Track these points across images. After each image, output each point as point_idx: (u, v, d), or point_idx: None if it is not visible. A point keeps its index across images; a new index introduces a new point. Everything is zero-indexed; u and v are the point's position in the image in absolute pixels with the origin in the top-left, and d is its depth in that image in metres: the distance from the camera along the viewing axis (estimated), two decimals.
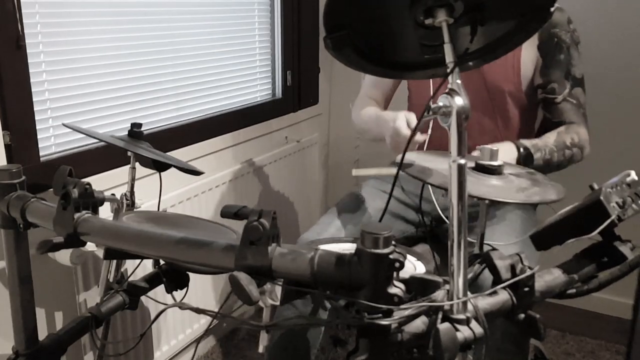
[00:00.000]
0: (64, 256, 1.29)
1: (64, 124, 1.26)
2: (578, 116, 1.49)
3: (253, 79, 2.11)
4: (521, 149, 1.35)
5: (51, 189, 0.90)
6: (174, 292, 1.04)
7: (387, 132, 1.38)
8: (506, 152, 1.34)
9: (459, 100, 0.70)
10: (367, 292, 0.63)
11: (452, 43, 0.74)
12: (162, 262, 1.04)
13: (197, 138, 1.82)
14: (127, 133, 1.29)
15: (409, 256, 0.94)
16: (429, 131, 1.44)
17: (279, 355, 1.38)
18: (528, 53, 1.48)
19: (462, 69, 0.79)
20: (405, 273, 0.66)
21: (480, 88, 1.50)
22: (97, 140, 1.47)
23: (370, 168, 1.33)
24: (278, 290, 0.71)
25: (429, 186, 0.97)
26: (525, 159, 1.35)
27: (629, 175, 0.85)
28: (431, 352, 0.64)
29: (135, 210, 1.28)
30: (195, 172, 1.27)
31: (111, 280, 1.29)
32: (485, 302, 0.72)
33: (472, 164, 0.94)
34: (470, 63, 0.86)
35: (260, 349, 1.84)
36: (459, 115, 0.70)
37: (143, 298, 1.08)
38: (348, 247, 0.67)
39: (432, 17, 0.75)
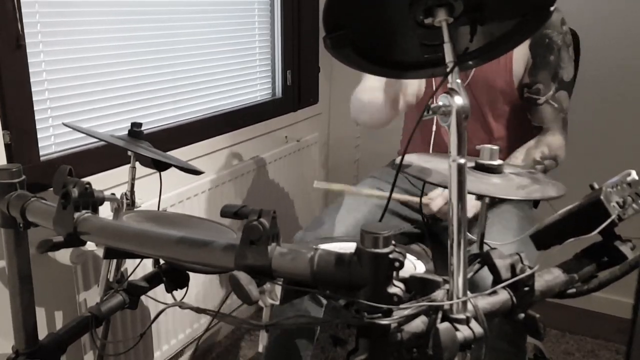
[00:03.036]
0: (64, 256, 1.29)
1: (64, 124, 1.26)
2: (556, 122, 1.50)
3: (253, 78, 2.11)
4: None
5: (51, 189, 0.89)
6: (174, 292, 1.04)
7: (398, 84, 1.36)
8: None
9: (459, 100, 0.70)
10: (367, 292, 0.63)
11: (451, 42, 0.74)
12: (162, 261, 1.05)
13: (197, 137, 1.82)
14: (127, 132, 1.29)
15: (408, 255, 0.94)
16: (434, 127, 1.44)
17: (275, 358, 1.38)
18: (520, 51, 1.48)
19: (461, 68, 0.78)
20: (405, 272, 0.66)
21: (472, 85, 1.50)
22: (97, 140, 1.47)
23: (334, 183, 1.36)
24: (278, 289, 0.71)
25: (426, 185, 0.98)
26: None
27: (629, 174, 0.85)
28: (431, 351, 0.64)
29: (135, 209, 1.28)
30: (195, 172, 1.27)
31: (111, 279, 1.29)
32: (485, 302, 0.72)
33: (472, 164, 0.94)
34: (470, 62, 0.85)
35: (260, 349, 1.84)
36: (459, 115, 0.70)
37: (143, 297, 1.08)
38: (348, 247, 0.67)
39: (431, 16, 0.75)
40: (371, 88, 1.64)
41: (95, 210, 0.87)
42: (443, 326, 0.64)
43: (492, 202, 1.43)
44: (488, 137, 1.54)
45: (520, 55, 1.48)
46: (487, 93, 1.51)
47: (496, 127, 1.54)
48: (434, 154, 1.07)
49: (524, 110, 1.55)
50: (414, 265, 0.94)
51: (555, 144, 1.48)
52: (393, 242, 0.63)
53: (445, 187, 0.72)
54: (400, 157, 0.85)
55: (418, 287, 0.67)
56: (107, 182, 1.48)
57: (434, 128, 1.49)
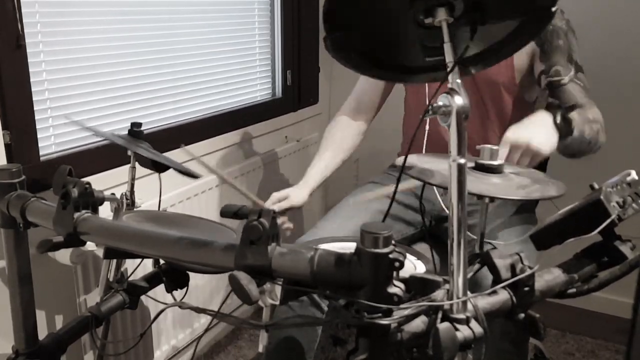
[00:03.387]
0: (64, 256, 1.29)
1: (69, 120, 1.26)
2: (588, 98, 1.40)
3: (253, 78, 2.11)
4: (557, 116, 1.23)
5: (51, 189, 0.89)
6: (174, 292, 1.04)
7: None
8: (542, 122, 1.22)
9: (459, 100, 0.70)
10: (367, 292, 0.63)
11: (452, 43, 0.74)
12: (162, 261, 1.05)
13: (197, 137, 1.82)
14: (127, 132, 1.29)
15: (408, 255, 0.94)
16: (427, 127, 1.43)
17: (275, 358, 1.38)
18: None
19: (462, 73, 0.78)
20: (405, 272, 0.66)
21: (473, 81, 1.50)
22: (97, 140, 1.47)
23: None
24: (278, 289, 0.71)
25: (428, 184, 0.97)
26: (563, 128, 1.24)
27: (629, 174, 0.85)
28: (431, 351, 0.64)
29: (135, 209, 1.28)
30: (192, 175, 1.27)
31: (111, 279, 1.29)
32: (485, 302, 0.72)
33: (472, 164, 0.94)
34: (472, 69, 0.85)
35: (260, 349, 1.84)
36: (459, 115, 0.70)
37: (143, 297, 1.08)
38: (348, 247, 0.67)
39: (432, 16, 0.75)
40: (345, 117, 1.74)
41: (95, 211, 0.87)
42: (443, 326, 0.64)
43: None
44: (489, 134, 1.54)
45: (523, 49, 1.47)
46: (490, 89, 1.51)
47: (497, 122, 1.55)
48: (434, 155, 1.06)
49: (533, 104, 1.54)
50: (414, 266, 0.95)
51: (599, 115, 1.37)
52: (393, 242, 0.63)
53: (445, 188, 0.72)
54: (400, 158, 0.85)
55: (418, 287, 0.67)
56: (107, 182, 1.48)
57: (427, 127, 1.48)
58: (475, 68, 0.85)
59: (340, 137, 1.71)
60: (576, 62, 1.45)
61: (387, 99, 1.74)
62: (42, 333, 0.99)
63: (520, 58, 1.48)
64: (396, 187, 0.86)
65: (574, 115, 1.30)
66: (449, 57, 0.74)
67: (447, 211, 0.71)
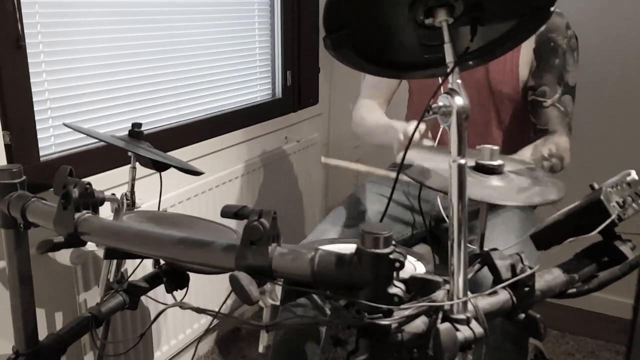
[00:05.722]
0: (64, 256, 1.29)
1: (64, 124, 1.26)
2: (562, 125, 1.47)
3: (253, 79, 2.11)
4: None
5: (51, 189, 0.89)
6: (174, 292, 1.04)
7: (395, 138, 1.35)
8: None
9: (459, 100, 0.70)
10: (367, 292, 0.63)
11: (452, 43, 0.74)
12: (162, 262, 1.05)
13: (198, 138, 1.82)
14: (127, 133, 1.29)
15: (409, 256, 0.94)
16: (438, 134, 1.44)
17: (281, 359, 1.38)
18: (525, 55, 1.48)
19: (461, 68, 0.78)
20: (405, 273, 0.66)
21: (482, 88, 1.50)
22: (97, 140, 1.47)
23: (340, 160, 1.38)
24: (278, 290, 0.71)
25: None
26: None
27: (629, 174, 0.85)
28: (431, 352, 0.64)
29: (135, 210, 1.28)
30: (195, 172, 1.27)
31: (111, 280, 1.29)
32: (485, 302, 0.72)
33: (472, 163, 0.94)
34: (470, 62, 0.86)
35: (260, 349, 1.84)
36: (459, 115, 0.70)
37: (143, 298, 1.08)
38: (348, 248, 0.67)
39: (432, 17, 0.75)
40: (371, 107, 1.67)
41: (95, 211, 0.87)
42: (443, 326, 0.64)
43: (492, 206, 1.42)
44: (489, 141, 1.54)
45: (526, 60, 1.48)
46: (493, 99, 1.51)
47: (497, 130, 1.55)
48: (434, 150, 1.06)
49: (528, 113, 1.55)
50: (414, 267, 0.94)
51: (562, 144, 1.45)
52: (393, 242, 0.63)
53: (446, 193, 0.72)
54: (400, 156, 0.85)
55: (418, 287, 0.67)
56: (108, 182, 1.48)
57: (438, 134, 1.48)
58: (474, 62, 0.85)
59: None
60: (566, 83, 1.47)
61: (395, 91, 1.75)
62: (42, 333, 0.99)
63: (523, 68, 1.49)
64: (393, 187, 0.86)
65: (524, 157, 1.41)
66: (449, 58, 0.74)
67: (444, 214, 0.71)
